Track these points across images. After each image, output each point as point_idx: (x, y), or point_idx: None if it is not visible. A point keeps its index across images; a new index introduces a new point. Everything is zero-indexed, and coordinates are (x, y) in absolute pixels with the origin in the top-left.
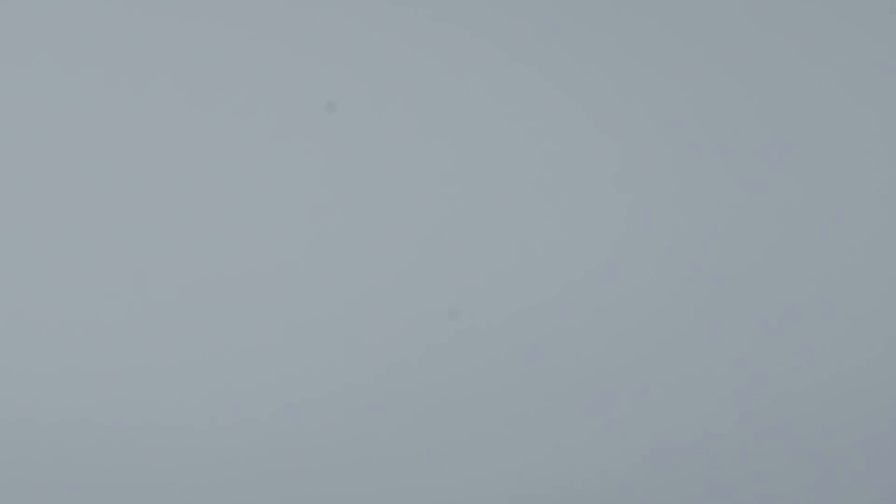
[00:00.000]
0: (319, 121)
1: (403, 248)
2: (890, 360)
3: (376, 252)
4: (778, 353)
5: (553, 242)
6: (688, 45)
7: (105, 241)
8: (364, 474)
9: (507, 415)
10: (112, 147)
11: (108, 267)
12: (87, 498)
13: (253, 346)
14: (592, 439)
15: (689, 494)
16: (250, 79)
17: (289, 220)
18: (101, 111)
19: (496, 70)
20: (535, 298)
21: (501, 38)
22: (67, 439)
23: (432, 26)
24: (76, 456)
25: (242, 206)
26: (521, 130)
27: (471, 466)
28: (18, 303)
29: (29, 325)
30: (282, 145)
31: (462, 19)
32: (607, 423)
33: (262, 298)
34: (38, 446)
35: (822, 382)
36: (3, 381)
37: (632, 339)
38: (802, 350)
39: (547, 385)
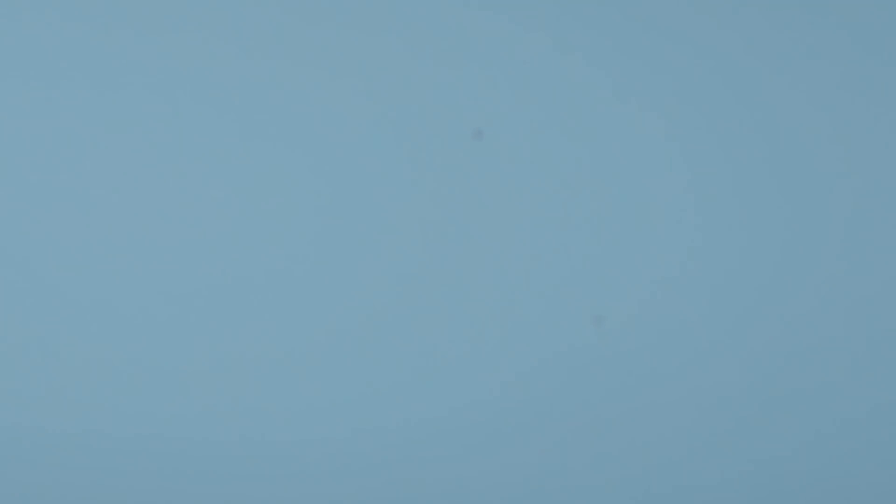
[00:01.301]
0: (467, 148)
1: (549, 256)
2: None
3: (523, 259)
4: None
5: (701, 251)
6: None
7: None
8: (508, 481)
9: (649, 422)
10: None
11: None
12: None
13: (398, 353)
14: (740, 448)
15: None
16: (397, 108)
17: (439, 237)
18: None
19: (641, 95)
20: (680, 306)
21: (647, 64)
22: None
23: (577, 52)
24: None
25: (394, 228)
26: (672, 144)
27: (607, 469)
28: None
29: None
30: (428, 172)
31: (607, 45)
32: (757, 438)
33: (411, 308)
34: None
35: None
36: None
37: (779, 349)
38: None
39: (691, 393)
